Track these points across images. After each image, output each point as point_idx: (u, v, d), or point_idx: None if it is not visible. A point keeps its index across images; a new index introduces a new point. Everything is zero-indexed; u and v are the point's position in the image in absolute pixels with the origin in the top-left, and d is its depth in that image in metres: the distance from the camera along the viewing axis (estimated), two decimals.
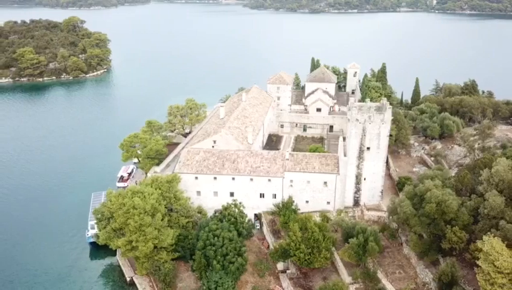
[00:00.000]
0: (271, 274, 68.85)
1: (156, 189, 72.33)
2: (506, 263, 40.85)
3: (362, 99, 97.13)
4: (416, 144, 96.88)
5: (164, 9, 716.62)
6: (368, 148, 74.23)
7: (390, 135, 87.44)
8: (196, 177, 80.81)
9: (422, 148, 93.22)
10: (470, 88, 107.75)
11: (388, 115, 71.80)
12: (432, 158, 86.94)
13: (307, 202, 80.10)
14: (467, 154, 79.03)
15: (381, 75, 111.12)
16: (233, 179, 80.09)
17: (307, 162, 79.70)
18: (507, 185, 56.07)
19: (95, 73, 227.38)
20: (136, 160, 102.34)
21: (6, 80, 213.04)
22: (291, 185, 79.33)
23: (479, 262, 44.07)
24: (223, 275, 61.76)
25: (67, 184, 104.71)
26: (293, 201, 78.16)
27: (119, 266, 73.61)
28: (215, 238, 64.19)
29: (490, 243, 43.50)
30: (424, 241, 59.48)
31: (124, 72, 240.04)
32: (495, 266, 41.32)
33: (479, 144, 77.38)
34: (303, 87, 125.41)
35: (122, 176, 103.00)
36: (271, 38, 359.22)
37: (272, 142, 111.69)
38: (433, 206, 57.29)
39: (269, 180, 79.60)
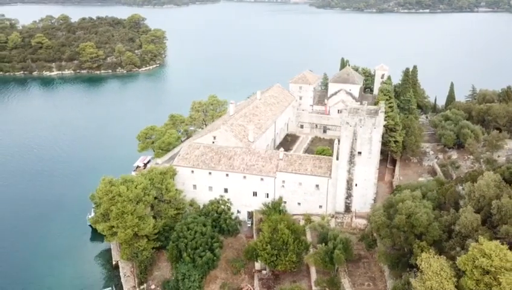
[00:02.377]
0: (247, 273, 68.65)
1: (149, 179, 75.33)
2: (436, 283, 37.35)
3: (376, 103, 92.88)
4: (431, 152, 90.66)
5: (232, 8, 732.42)
6: (359, 152, 71.04)
7: (396, 141, 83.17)
8: (192, 171, 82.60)
9: (436, 157, 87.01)
10: (504, 95, 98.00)
11: (380, 120, 68.15)
12: (444, 168, 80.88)
13: (299, 204, 78.56)
14: (472, 166, 72.55)
15: (405, 78, 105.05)
16: (227, 175, 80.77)
17: (300, 164, 78.15)
18: (487, 201, 51.01)
19: (148, 68, 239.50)
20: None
21: (69, 71, 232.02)
22: (283, 186, 78.27)
23: (411, 280, 40.71)
24: (191, 267, 62.93)
25: (89, 169, 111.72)
26: (283, 202, 77.23)
27: (110, 249, 77.65)
28: (188, 231, 65.46)
29: (428, 262, 40.00)
30: (394, 254, 55.94)
31: (176, 67, 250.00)
32: (424, 286, 37.97)
33: (485, 155, 70.62)
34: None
35: (138, 165, 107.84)
36: (327, 38, 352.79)
37: (287, 142, 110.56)
38: (402, 218, 53.68)
39: (262, 179, 79.18)
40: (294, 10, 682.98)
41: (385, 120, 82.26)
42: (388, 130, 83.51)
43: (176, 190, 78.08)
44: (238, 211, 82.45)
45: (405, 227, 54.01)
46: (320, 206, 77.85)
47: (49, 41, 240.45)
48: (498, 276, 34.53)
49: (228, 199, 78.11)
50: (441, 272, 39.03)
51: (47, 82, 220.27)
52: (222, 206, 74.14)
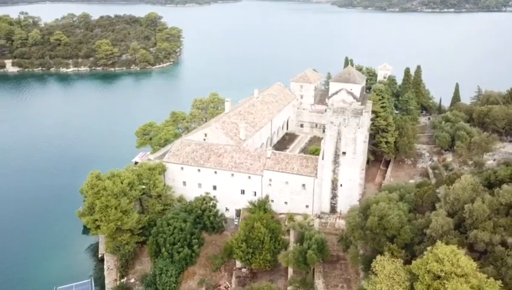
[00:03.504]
0: (228, 270, 68.73)
1: (136, 175, 76.41)
2: (386, 287, 36.42)
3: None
4: (427, 154, 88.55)
5: (254, 7, 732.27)
6: (344, 153, 70.04)
7: (388, 142, 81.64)
8: (182, 168, 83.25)
9: (430, 159, 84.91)
10: (508, 97, 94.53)
11: (364, 120, 66.98)
12: (436, 171, 78.87)
13: (286, 203, 78.18)
14: (460, 169, 70.36)
15: (405, 78, 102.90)
16: (215, 172, 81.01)
17: (287, 163, 77.65)
18: (461, 205, 49.48)
19: (161, 65, 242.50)
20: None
21: (85, 68, 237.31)
22: (270, 184, 78.00)
23: (363, 282, 39.86)
24: (169, 263, 63.51)
25: (91, 163, 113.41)
26: (269, 200, 77.00)
27: (98, 242, 79.11)
28: (168, 226, 66.04)
29: (381, 265, 39.07)
30: (367, 257, 54.89)
31: (189, 65, 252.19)
32: (375, 289, 37.06)
33: (475, 158, 68.32)
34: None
35: (136, 161, 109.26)
36: (343, 37, 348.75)
37: (285, 140, 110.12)
38: (375, 220, 52.64)
39: (249, 177, 79.11)
40: (315, 9, 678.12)
41: (376, 120, 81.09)
42: (380, 130, 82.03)
43: (164, 185, 78.97)
44: (227, 209, 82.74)
45: (377, 229, 53.00)
46: (307, 206, 77.22)
47: (67, 38, 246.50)
48: (445, 281, 33.46)
49: (214, 197, 78.35)
50: (394, 275, 38.07)
51: (63, 78, 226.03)
52: (206, 204, 74.10)
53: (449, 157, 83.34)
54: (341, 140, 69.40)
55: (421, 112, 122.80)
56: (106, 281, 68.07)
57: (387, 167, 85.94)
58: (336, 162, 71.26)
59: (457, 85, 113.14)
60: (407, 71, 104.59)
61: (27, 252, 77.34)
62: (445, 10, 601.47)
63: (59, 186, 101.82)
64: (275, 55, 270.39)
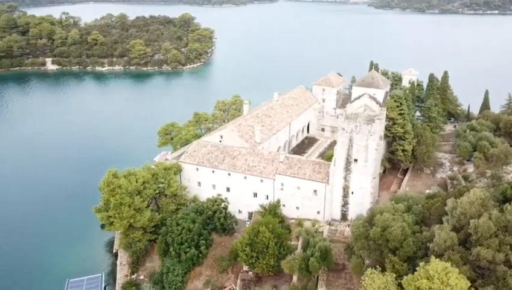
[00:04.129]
0: (235, 272, 69.32)
1: (152, 174, 78.50)
2: None
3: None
4: (448, 163, 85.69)
5: (289, 8, 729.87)
6: (356, 160, 69.05)
7: (404, 150, 79.73)
8: (197, 169, 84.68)
9: (450, 170, 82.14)
10: None
11: (377, 127, 65.77)
12: (455, 181, 76.22)
13: (297, 208, 78.03)
14: (477, 181, 67.59)
15: (429, 84, 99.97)
16: (229, 174, 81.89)
17: (299, 167, 77.43)
18: (468, 220, 47.76)
19: (192, 66, 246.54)
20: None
21: (119, 67, 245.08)
22: (282, 189, 78.05)
23: None
24: (176, 262, 64.87)
25: (115, 160, 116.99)
26: (280, 205, 77.04)
27: (114, 238, 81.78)
28: (177, 226, 67.42)
29: (371, 278, 38.36)
30: (367, 267, 53.85)
31: (220, 66, 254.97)
32: None
33: (493, 171, 65.48)
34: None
35: (166, 158, 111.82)
36: (376, 39, 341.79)
37: (304, 144, 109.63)
38: (377, 231, 51.68)
39: (262, 180, 79.48)
40: (352, 10, 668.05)
41: (393, 128, 79.40)
42: (397, 138, 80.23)
43: (178, 185, 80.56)
44: (240, 211, 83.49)
45: (380, 240, 52.02)
46: (318, 212, 76.76)
47: (104, 38, 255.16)
48: None
49: (226, 198, 79.19)
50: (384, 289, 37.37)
51: (98, 77, 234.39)
52: (217, 205, 75.03)
53: (470, 168, 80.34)
54: (353, 147, 68.49)
55: (449, 120, 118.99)
56: (117, 276, 70.29)
57: (404, 176, 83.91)
58: (347, 169, 70.38)
59: (486, 92, 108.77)
60: (431, 77, 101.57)
61: (46, 244, 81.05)
62: (489, 12, 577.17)
63: (83, 182, 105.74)
64: (306, 57, 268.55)
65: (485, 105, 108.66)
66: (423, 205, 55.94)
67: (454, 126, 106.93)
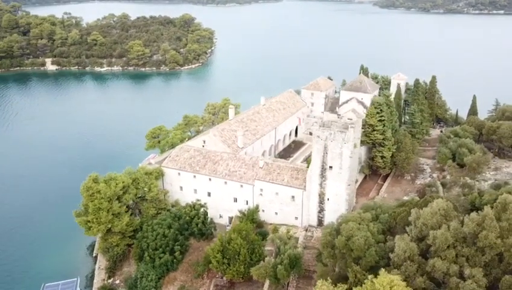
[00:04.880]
0: (210, 277, 69.92)
1: (133, 179, 79.27)
2: None
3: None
4: (429, 170, 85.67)
5: (294, 7, 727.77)
6: (331, 167, 69.36)
7: (383, 157, 79.89)
8: (179, 173, 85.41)
9: (430, 176, 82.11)
10: None
11: (351, 135, 66.01)
12: (433, 188, 76.24)
13: (276, 213, 78.52)
14: (450, 189, 67.54)
15: (415, 90, 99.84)
16: (210, 179, 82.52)
17: (278, 173, 77.86)
18: (429, 231, 47.98)
19: (190, 66, 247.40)
20: None
21: (117, 67, 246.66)
22: (261, 194, 78.54)
23: None
24: (150, 267, 65.64)
25: (103, 164, 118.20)
26: (259, 210, 77.60)
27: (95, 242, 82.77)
28: (152, 232, 68.18)
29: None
30: (333, 276, 54.20)
31: (218, 67, 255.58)
32: None
33: (465, 179, 65.38)
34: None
35: (150, 162, 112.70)
36: (376, 40, 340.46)
37: (290, 148, 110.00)
38: (342, 240, 52.08)
39: (241, 186, 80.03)
40: (356, 10, 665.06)
41: (372, 134, 79.58)
42: (377, 144, 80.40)
43: (158, 190, 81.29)
44: (221, 216, 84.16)
45: (344, 249, 52.41)
46: (296, 218, 77.20)
47: (103, 38, 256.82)
48: None
49: (205, 203, 79.85)
50: None
51: (97, 77, 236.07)
52: (195, 211, 75.68)
53: (449, 175, 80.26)
54: (327, 154, 68.81)
55: (439, 124, 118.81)
56: (95, 281, 71.24)
57: (384, 182, 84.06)
58: (322, 175, 70.73)
59: (474, 97, 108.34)
60: (416, 82, 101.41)
61: (29, 247, 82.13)
62: (495, 12, 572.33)
63: (74, 184, 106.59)
64: (305, 58, 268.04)
65: (473, 110, 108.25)
66: (390, 214, 56.22)
67: (441, 131, 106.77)
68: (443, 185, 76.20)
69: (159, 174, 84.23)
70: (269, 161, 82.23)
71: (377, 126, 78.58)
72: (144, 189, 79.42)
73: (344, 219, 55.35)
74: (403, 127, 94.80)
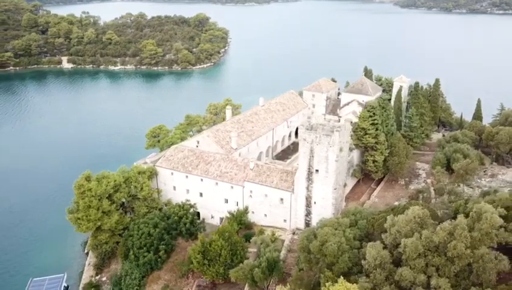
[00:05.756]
0: (195, 277, 70.30)
1: (125, 178, 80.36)
2: None
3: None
4: (424, 175, 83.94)
5: (313, 7, 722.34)
6: (317, 170, 68.76)
7: (375, 161, 78.74)
8: (172, 173, 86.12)
9: (424, 181, 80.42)
10: None
11: (336, 139, 65.27)
12: (425, 194, 74.69)
13: (265, 215, 78.40)
14: (435, 197, 65.88)
15: (414, 93, 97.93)
16: (201, 180, 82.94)
17: (268, 175, 77.62)
18: (402, 238, 47.12)
19: (201, 66, 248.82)
20: None
21: (131, 66, 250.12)
22: (251, 196, 78.49)
23: None
24: (134, 266, 66.46)
25: (107, 160, 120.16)
26: (248, 212, 77.62)
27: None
28: (138, 230, 68.99)
29: None
30: (307, 281, 53.80)
31: (230, 66, 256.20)
32: None
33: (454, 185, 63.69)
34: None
35: (145, 162, 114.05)
36: (390, 40, 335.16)
37: (289, 150, 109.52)
38: (316, 245, 51.61)
39: (232, 187, 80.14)
40: (376, 9, 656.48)
41: (364, 138, 78.54)
42: (369, 148, 79.29)
43: (150, 189, 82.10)
44: (212, 216, 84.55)
45: (318, 254, 51.95)
46: (285, 221, 76.89)
47: (118, 38, 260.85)
48: None
49: (194, 204, 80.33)
50: None
51: (110, 75, 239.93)
52: (183, 211, 76.18)
53: (445, 180, 78.38)
54: (314, 158, 68.24)
55: (444, 128, 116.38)
56: (83, 277, 72.53)
57: (377, 186, 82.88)
58: (309, 179, 70.19)
59: (479, 101, 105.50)
60: (416, 85, 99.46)
61: (22, 242, 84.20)
62: None
63: (72, 182, 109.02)
64: (320, 57, 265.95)
65: (478, 114, 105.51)
66: (368, 220, 55.40)
67: (443, 135, 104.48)
68: (437, 191, 74.61)
69: (152, 174, 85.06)
70: (260, 163, 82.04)
71: (369, 130, 77.47)
72: (136, 188, 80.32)
73: (322, 223, 54.80)
74: (403, 130, 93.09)
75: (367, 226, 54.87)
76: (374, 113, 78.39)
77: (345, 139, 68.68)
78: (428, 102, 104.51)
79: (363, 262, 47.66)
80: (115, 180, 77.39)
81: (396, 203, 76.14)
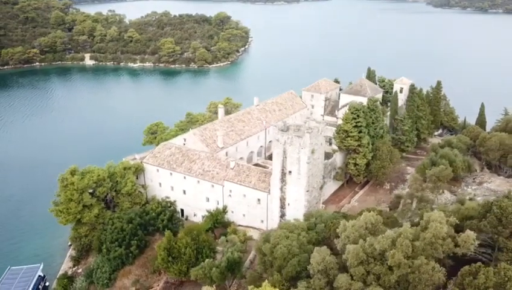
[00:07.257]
0: (167, 274, 70.77)
1: (110, 173, 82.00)
2: None
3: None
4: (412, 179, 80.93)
5: (344, 6, 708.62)
6: (290, 172, 67.75)
7: (356, 164, 76.77)
8: (157, 170, 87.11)
9: (408, 186, 77.58)
10: None
11: (307, 140, 64.03)
12: (408, 200, 72.14)
13: (244, 215, 78.21)
14: (409, 202, 63.22)
15: (410, 96, 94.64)
16: (184, 178, 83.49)
17: (247, 175, 77.24)
18: (348, 244, 45.79)
19: (218, 64, 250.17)
20: None
21: (149, 64, 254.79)
22: (230, 195, 78.38)
23: None
24: (105, 260, 67.67)
25: (105, 155, 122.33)
26: (226, 211, 77.54)
27: None
28: (112, 225, 70.18)
29: None
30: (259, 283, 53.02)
31: (247, 65, 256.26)
32: None
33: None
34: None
35: (134, 157, 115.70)
36: (418, 41, 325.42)
37: None
38: (267, 247, 50.87)
39: (212, 185, 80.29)
40: (409, 9, 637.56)
41: (345, 140, 76.75)
42: (351, 151, 77.40)
43: (134, 185, 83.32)
44: (195, 214, 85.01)
45: (270, 257, 51.22)
46: (262, 221, 76.36)
47: (139, 36, 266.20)
48: None
49: (174, 201, 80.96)
50: None
51: (130, 72, 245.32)
52: (162, 208, 76.88)
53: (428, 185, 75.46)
54: (287, 159, 67.29)
55: (450, 132, 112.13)
56: (61, 268, 74.52)
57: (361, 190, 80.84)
58: (283, 180, 69.31)
59: (482, 105, 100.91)
60: (412, 87, 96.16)
61: (10, 232, 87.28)
62: None
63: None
64: (342, 57, 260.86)
65: (481, 119, 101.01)
66: (326, 224, 54.08)
67: (442, 140, 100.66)
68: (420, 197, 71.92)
69: (138, 170, 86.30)
70: (241, 163, 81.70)
71: (351, 132, 75.54)
72: (120, 183, 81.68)
73: (280, 225, 53.97)
74: (395, 133, 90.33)
75: (325, 230, 53.57)
76: (357, 115, 76.42)
77: (319, 141, 67.26)
78: (428, 105, 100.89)
79: (308, 267, 46.64)
80: (99, 175, 79.08)
81: (378, 207, 74.05)
